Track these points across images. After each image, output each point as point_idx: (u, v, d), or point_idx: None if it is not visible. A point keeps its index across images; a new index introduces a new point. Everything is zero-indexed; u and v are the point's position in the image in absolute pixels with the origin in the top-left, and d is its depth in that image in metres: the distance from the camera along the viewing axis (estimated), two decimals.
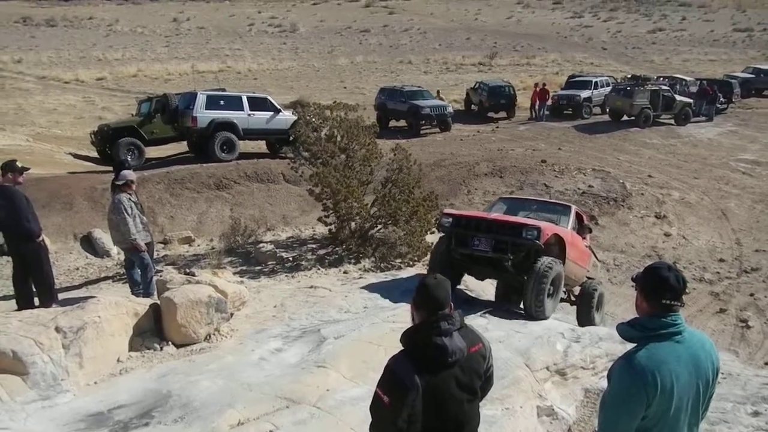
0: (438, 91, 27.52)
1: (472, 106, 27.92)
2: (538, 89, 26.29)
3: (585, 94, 26.35)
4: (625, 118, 24.35)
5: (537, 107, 26.30)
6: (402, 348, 2.70)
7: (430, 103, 23.57)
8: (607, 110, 25.72)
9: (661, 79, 28.96)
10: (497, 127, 24.79)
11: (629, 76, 28.83)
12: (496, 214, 8.26)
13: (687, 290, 9.46)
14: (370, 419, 2.71)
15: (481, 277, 8.91)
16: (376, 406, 2.63)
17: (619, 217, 15.21)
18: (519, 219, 8.00)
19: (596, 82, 27.32)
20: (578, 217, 9.24)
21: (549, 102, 26.20)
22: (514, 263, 7.63)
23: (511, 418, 5.16)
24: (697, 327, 10.45)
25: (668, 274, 2.57)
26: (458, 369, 2.65)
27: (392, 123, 24.35)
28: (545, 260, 7.42)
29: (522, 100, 27.66)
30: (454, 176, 16.91)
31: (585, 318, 8.76)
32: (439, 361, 2.61)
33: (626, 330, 2.65)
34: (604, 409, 2.62)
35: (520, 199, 10.13)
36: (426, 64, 44.90)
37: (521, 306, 8.00)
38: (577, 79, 29.26)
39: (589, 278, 9.39)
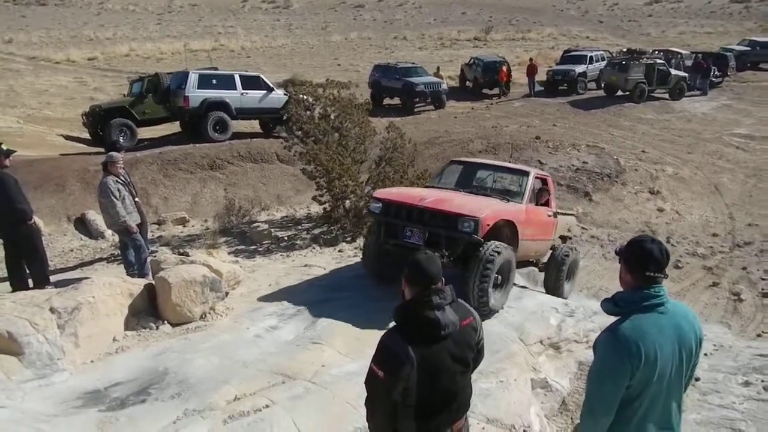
0: (438, 68, 27.29)
1: (467, 82, 27.76)
2: (533, 64, 26.23)
3: (580, 69, 26.15)
4: (619, 93, 24.23)
5: (528, 83, 26.23)
6: (394, 324, 2.74)
7: (424, 80, 23.40)
8: (602, 85, 25.57)
9: (657, 52, 28.77)
10: (492, 104, 24.67)
11: (624, 50, 28.62)
12: (431, 198, 6.72)
13: (680, 264, 9.60)
14: (365, 394, 2.75)
15: None
16: (371, 381, 2.68)
17: (613, 193, 15.24)
18: (454, 205, 6.56)
19: (591, 57, 27.11)
20: (543, 180, 8.37)
21: (537, 77, 26.14)
22: (453, 258, 6.50)
23: (506, 391, 5.24)
24: (690, 301, 10.57)
25: (652, 246, 2.61)
26: (451, 342, 2.71)
27: (386, 101, 24.19)
28: (490, 246, 6.40)
29: (517, 76, 27.48)
30: (448, 154, 16.86)
31: (553, 286, 8.35)
32: (432, 335, 2.66)
33: (610, 307, 2.70)
34: (590, 379, 2.69)
35: (473, 163, 8.73)
36: (421, 39, 44.54)
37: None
38: (572, 53, 29.01)
39: (562, 239, 8.96)
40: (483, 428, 4.71)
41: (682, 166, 17.06)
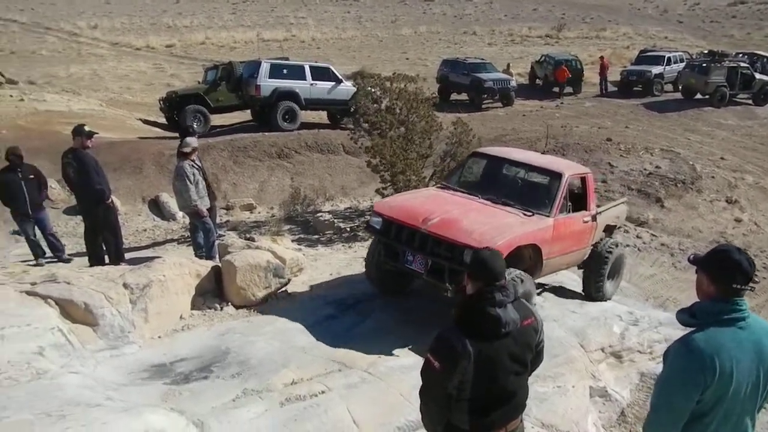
0: (508, 65, 26.84)
1: (537, 80, 27.20)
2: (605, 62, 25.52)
3: (656, 69, 25.15)
4: (698, 96, 23.21)
5: (599, 81, 25.48)
6: (455, 318, 2.73)
7: (493, 76, 23.08)
8: (680, 87, 24.53)
9: (740, 55, 27.38)
10: (562, 103, 24.10)
11: (705, 51, 27.38)
12: (436, 219, 5.83)
13: (757, 279, 9.12)
14: (418, 386, 2.76)
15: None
16: (427, 372, 2.69)
17: (687, 201, 14.62)
18: (461, 230, 5.63)
19: (669, 58, 26.02)
20: (581, 178, 7.15)
21: (611, 77, 25.37)
22: (457, 292, 5.55)
23: (563, 397, 5.14)
24: (766, 317, 10.03)
25: (740, 257, 2.47)
26: (511, 340, 2.70)
27: (454, 96, 24.00)
28: (509, 273, 5.40)
29: (589, 75, 26.72)
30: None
31: (592, 286, 7.37)
32: (492, 332, 2.65)
33: (686, 319, 2.57)
34: (658, 390, 2.57)
35: (498, 158, 7.31)
36: (491, 35, 43.96)
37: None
38: (648, 53, 27.96)
39: (608, 231, 7.73)
40: None
41: (763, 176, 16.18)
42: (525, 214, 6.15)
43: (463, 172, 7.35)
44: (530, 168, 7.07)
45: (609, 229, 7.81)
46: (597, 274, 7.29)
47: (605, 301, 7.36)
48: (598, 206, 7.54)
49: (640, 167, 15.77)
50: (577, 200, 7.05)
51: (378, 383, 4.84)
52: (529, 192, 6.77)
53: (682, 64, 25.29)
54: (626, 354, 6.31)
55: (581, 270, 7.60)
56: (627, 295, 9.05)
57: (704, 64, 23.03)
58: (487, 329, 2.65)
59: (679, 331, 5.57)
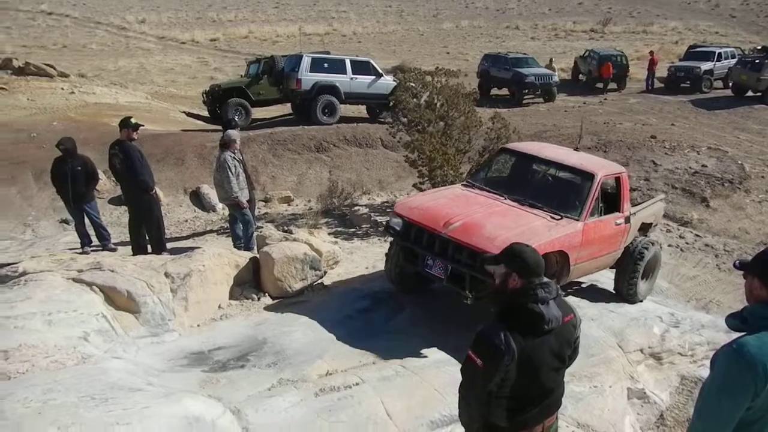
0: (551, 60, 26.45)
1: (580, 75, 26.70)
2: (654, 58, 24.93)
3: (706, 66, 24.37)
4: (750, 93, 22.41)
5: (646, 77, 24.87)
6: (496, 314, 2.73)
7: (534, 71, 22.74)
8: (730, 84, 23.74)
9: None
10: (605, 99, 23.61)
11: (759, 47, 26.45)
12: (459, 222, 5.61)
13: None
14: (452, 382, 2.76)
15: None
16: (468, 369, 2.69)
17: (734, 201, 14.15)
18: (483, 236, 5.40)
19: (719, 54, 25.16)
20: (616, 178, 6.73)
21: (657, 73, 24.75)
22: (477, 299, 5.41)
23: (600, 397, 5.08)
24: None
25: None
26: (552, 337, 2.71)
27: (494, 91, 23.75)
28: None
29: (634, 72, 26.09)
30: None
31: (625, 286, 6.98)
32: (536, 329, 2.65)
33: (737, 324, 2.48)
34: (705, 396, 2.48)
35: (527, 155, 6.95)
36: (534, 30, 43.36)
37: None
38: (698, 49, 27.11)
39: (643, 229, 7.32)
40: None
41: None
42: (553, 218, 5.88)
43: (491, 169, 7.09)
44: (561, 167, 6.71)
45: (644, 227, 7.45)
46: (630, 274, 6.93)
47: (639, 302, 7.07)
48: (635, 205, 7.25)
49: (685, 166, 15.34)
50: (611, 200, 6.78)
51: (412, 377, 4.85)
52: (559, 193, 6.40)
53: (734, 60, 24.44)
54: (666, 356, 6.17)
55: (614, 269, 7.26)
56: (668, 296, 8.84)
57: (757, 60, 22.19)
58: (530, 326, 2.65)
59: (722, 334, 5.41)
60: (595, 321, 6.35)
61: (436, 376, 4.84)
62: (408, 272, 6.25)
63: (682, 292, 9.71)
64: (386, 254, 6.66)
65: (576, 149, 7.14)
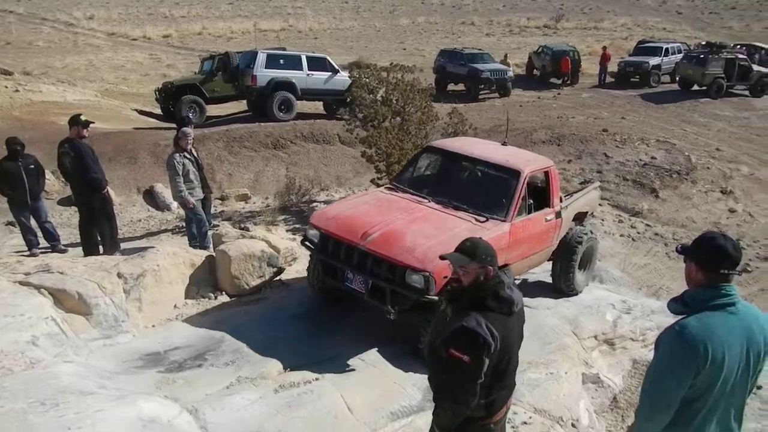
0: (506, 55, 26.79)
1: (534, 71, 27.16)
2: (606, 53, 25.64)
3: (654, 61, 25.13)
4: (695, 87, 23.21)
5: (598, 72, 25.50)
6: (471, 308, 2.78)
7: (490, 66, 23.04)
8: (677, 79, 24.56)
9: (738, 47, 27.34)
10: (559, 94, 24.08)
11: (703, 43, 27.33)
12: (378, 233, 5.21)
13: (749, 268, 9.11)
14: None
15: None
16: (454, 368, 2.70)
17: (682, 191, 14.66)
18: (403, 247, 5.05)
19: (667, 49, 25.98)
20: (544, 173, 6.47)
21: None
22: (401, 312, 5.06)
23: (556, 383, 5.19)
24: (759, 306, 10.09)
25: (725, 242, 2.51)
26: (516, 318, 2.86)
27: (451, 86, 23.97)
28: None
29: (586, 67, 26.69)
30: (509, 143, 16.63)
31: (562, 279, 6.83)
32: (506, 313, 2.78)
33: (678, 308, 2.60)
34: (650, 376, 2.60)
35: (451, 153, 6.59)
36: (489, 26, 43.88)
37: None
38: (646, 45, 27.92)
39: (578, 218, 7.18)
40: (530, 417, 4.68)
41: (759, 167, 16.22)
42: (478, 220, 5.57)
43: (415, 170, 6.67)
44: (485, 164, 6.32)
45: (580, 217, 7.27)
46: (566, 265, 6.76)
47: (577, 293, 6.95)
48: (570, 195, 7.14)
49: (635, 158, 15.80)
50: (541, 195, 6.49)
51: (371, 370, 4.87)
52: (484, 192, 6.07)
53: (680, 56, 25.28)
54: (619, 341, 6.35)
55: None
56: (621, 284, 9.11)
57: (702, 56, 23.01)
58: (502, 312, 2.77)
59: (671, 319, 5.62)
60: (550, 309, 6.49)
61: (395, 369, 4.86)
62: (329, 287, 5.86)
63: (633, 280, 10.02)
64: (306, 269, 6.20)
65: (504, 144, 6.85)
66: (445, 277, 4.59)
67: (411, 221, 5.44)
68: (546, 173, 6.46)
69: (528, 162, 6.38)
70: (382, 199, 6.04)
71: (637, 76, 25.22)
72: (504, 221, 5.64)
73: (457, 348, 2.69)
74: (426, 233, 5.22)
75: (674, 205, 14.09)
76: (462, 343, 2.69)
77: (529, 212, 6.10)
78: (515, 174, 5.98)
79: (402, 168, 7.29)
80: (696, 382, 2.45)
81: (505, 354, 2.77)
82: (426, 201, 5.89)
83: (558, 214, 6.47)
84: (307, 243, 5.73)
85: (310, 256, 5.97)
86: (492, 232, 5.37)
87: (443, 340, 2.78)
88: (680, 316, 2.58)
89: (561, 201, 6.70)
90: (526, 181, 5.95)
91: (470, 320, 2.70)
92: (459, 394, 2.74)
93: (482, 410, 2.83)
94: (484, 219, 5.59)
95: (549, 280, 7.19)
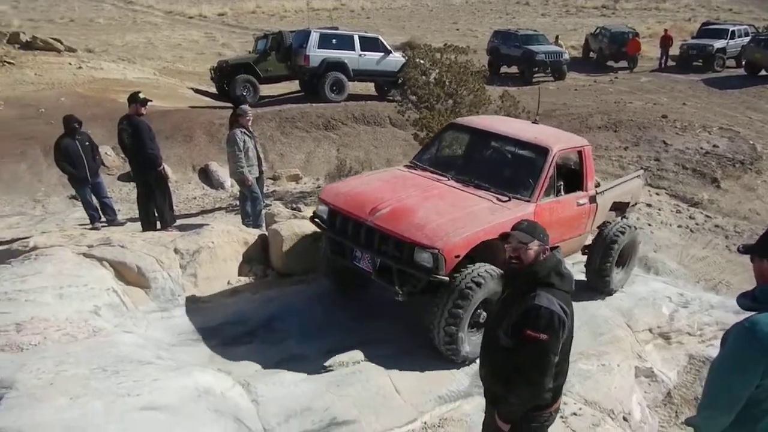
0: (557, 37, 26.09)
1: (591, 53, 26.38)
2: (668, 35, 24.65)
3: (719, 44, 24.02)
4: (763, 72, 22.10)
5: (660, 55, 24.51)
6: (539, 287, 2.79)
7: (545, 48, 22.48)
8: (743, 63, 23.41)
9: None
10: (616, 78, 23.34)
11: None
12: (387, 209, 4.90)
13: None
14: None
15: None
16: (534, 348, 2.71)
17: (745, 182, 14.03)
18: (412, 224, 4.70)
19: (733, 32, 24.76)
20: (578, 152, 6.05)
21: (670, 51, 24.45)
22: (410, 294, 4.79)
23: (607, 375, 5.08)
24: None
25: None
26: (570, 297, 2.87)
27: (504, 69, 23.52)
28: (468, 274, 4.62)
29: (646, 49, 25.73)
30: (564, 128, 16.12)
31: (597, 276, 6.35)
32: (567, 290, 2.83)
33: (748, 303, 2.47)
34: (714, 373, 2.48)
35: (476, 130, 6.23)
36: (544, 6, 42.80)
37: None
38: (711, 27, 26.71)
39: (619, 209, 6.70)
40: (580, 409, 4.60)
41: None
42: (499, 200, 5.19)
43: (437, 148, 6.30)
44: (512, 142, 5.94)
45: (621, 208, 6.77)
46: (602, 262, 6.26)
47: (612, 293, 6.48)
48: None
49: (696, 146, 15.20)
50: (574, 178, 6.09)
51: (420, 353, 4.88)
52: (509, 171, 5.76)
53: (747, 39, 24.07)
54: (675, 336, 6.17)
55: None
56: (677, 276, 8.80)
57: None
58: (563, 288, 2.81)
59: (731, 314, 5.39)
60: (604, 301, 6.34)
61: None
62: (339, 266, 5.57)
63: (691, 273, 9.67)
64: (318, 249, 5.83)
65: (535, 122, 6.51)
66: (457, 256, 4.53)
67: (425, 198, 5.14)
68: (579, 153, 6.04)
69: (558, 140, 5.96)
70: (398, 176, 5.76)
71: (701, 60, 24.14)
72: (528, 201, 5.25)
73: (533, 328, 2.68)
74: (439, 210, 4.92)
75: (736, 196, 13.50)
76: (537, 322, 2.69)
77: (559, 194, 5.66)
78: (543, 151, 5.56)
79: (424, 146, 6.89)
80: (764, 382, 2.33)
81: (570, 333, 2.80)
82: (445, 179, 5.58)
83: (593, 199, 6.01)
84: (316, 220, 5.45)
85: (320, 236, 5.67)
86: (513, 212, 4.97)
87: (513, 324, 2.77)
88: (750, 313, 2.47)
89: (598, 186, 6.32)
90: (554, 160, 5.51)
91: (541, 299, 2.71)
92: (536, 375, 2.72)
93: (550, 394, 2.82)
94: (507, 198, 5.21)
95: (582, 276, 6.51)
